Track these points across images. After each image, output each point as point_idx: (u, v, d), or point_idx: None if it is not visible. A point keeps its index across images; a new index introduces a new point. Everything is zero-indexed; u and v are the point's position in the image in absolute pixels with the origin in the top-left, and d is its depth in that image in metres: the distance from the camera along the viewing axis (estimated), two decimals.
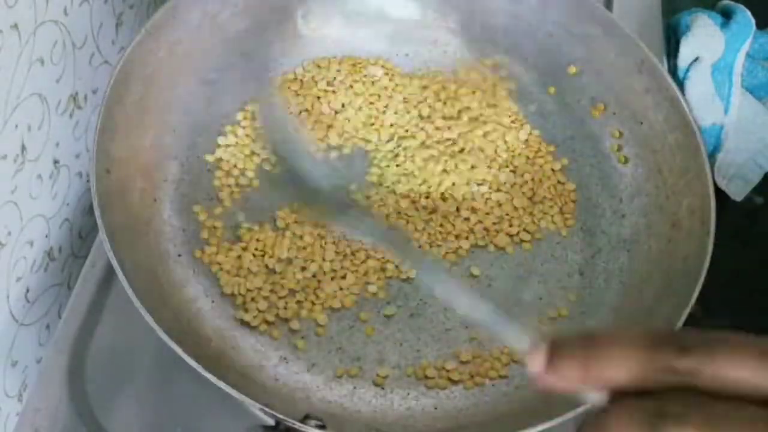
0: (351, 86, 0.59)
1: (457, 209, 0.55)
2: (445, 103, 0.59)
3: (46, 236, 0.53)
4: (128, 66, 0.49)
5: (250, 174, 0.55)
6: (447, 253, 0.54)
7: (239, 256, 0.52)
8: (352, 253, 0.52)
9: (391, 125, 0.58)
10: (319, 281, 0.51)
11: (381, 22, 0.61)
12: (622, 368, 0.22)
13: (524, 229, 0.55)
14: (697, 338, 0.22)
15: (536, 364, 0.24)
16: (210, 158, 0.55)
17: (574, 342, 0.24)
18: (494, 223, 0.55)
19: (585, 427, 0.22)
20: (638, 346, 0.22)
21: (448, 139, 0.57)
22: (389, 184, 0.56)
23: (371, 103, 0.59)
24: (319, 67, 0.60)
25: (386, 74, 0.60)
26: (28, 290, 0.52)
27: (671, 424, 0.21)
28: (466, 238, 0.54)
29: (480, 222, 0.55)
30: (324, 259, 0.52)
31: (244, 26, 0.57)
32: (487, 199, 0.56)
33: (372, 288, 0.51)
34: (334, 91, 0.59)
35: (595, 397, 0.23)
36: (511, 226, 0.55)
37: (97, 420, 0.48)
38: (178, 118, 0.54)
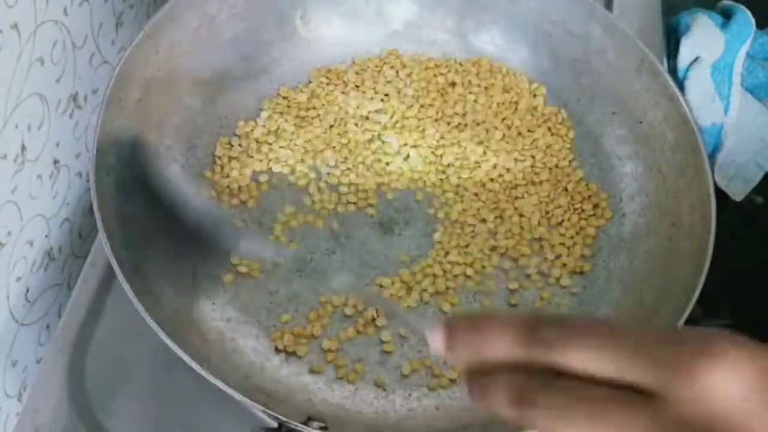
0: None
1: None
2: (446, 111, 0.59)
3: (46, 236, 0.53)
4: (128, 66, 0.49)
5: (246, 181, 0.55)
6: None
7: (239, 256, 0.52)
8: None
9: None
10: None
11: (379, 22, 0.61)
12: (497, 349, 0.27)
13: None
14: (553, 329, 0.26)
15: (436, 345, 0.28)
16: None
17: (463, 324, 0.28)
18: None
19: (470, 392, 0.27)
20: (512, 332, 0.26)
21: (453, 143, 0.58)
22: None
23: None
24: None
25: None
26: (28, 290, 0.51)
27: (526, 406, 0.25)
28: None
29: None
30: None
31: (243, 27, 0.57)
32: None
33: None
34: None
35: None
36: None
37: (97, 420, 0.48)
38: (178, 120, 0.54)
